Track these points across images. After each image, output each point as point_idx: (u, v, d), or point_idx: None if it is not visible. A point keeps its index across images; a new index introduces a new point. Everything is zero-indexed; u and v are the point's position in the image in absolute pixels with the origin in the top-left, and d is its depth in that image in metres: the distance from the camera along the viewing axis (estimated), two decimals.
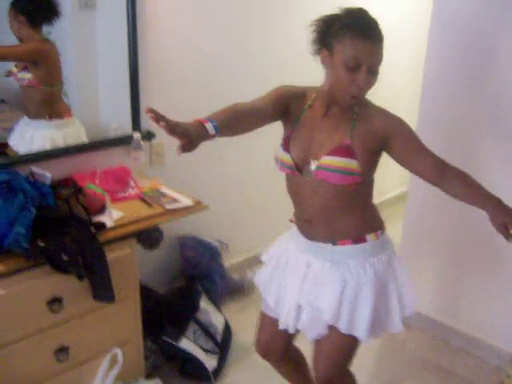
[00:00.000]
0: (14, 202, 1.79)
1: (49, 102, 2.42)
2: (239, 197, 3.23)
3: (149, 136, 2.62)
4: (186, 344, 2.46)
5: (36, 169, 2.10)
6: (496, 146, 2.47)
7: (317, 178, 1.63)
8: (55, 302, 1.88)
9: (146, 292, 2.46)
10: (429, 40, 2.64)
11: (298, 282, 1.74)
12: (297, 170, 1.66)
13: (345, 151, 1.59)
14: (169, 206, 2.20)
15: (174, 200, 2.26)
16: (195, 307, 2.64)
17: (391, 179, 4.49)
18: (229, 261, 3.18)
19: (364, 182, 1.64)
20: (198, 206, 2.27)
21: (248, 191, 3.27)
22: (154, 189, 2.38)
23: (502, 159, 2.46)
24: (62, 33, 2.48)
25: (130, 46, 2.47)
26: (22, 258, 1.75)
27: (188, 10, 2.68)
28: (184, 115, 2.35)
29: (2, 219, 1.74)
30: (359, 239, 1.69)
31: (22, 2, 2.23)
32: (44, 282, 1.84)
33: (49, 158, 2.29)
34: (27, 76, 2.30)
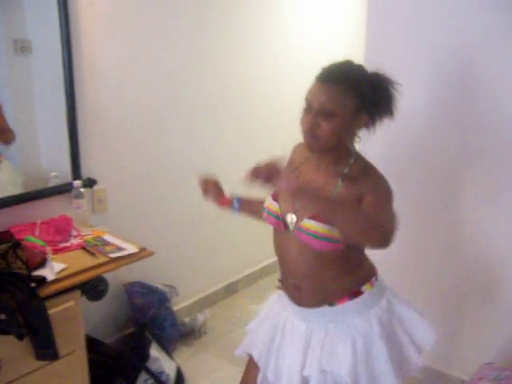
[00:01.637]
0: None
1: None
2: (186, 239, 3.19)
3: (90, 183, 2.57)
4: None
5: None
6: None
7: (298, 236, 1.57)
8: None
9: (93, 344, 2.38)
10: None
11: (301, 352, 1.66)
12: (282, 222, 1.62)
13: (326, 216, 1.50)
14: (113, 255, 2.14)
15: (119, 248, 2.21)
16: (145, 356, 2.56)
17: None
18: (178, 305, 3.12)
19: (348, 247, 1.55)
20: (143, 253, 2.22)
21: (195, 233, 3.24)
22: (97, 237, 2.32)
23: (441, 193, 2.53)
24: None
25: (67, 92, 2.44)
26: None
27: (127, 53, 2.68)
28: (124, 160, 2.34)
29: None
30: (356, 293, 1.62)
31: None
32: None
33: None
34: None
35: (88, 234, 2.35)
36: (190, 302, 3.25)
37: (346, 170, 1.57)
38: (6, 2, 2.34)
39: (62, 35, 2.36)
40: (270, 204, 1.68)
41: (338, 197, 1.53)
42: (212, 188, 1.90)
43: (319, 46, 3.96)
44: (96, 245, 2.24)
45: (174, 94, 2.94)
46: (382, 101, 1.55)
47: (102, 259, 2.13)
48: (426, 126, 2.45)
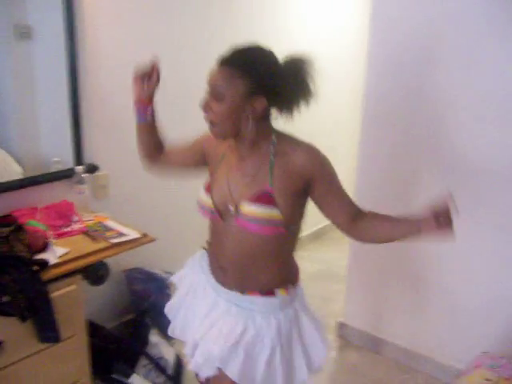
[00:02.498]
0: None
1: None
2: (187, 226, 3.20)
3: (92, 169, 2.58)
4: (136, 380, 2.40)
5: None
6: (436, 181, 2.56)
7: (237, 226, 1.56)
8: None
9: (93, 329, 2.40)
10: (366, 75, 2.74)
11: (201, 316, 1.67)
12: (218, 215, 1.60)
13: (265, 198, 1.51)
14: (114, 240, 2.16)
15: (120, 233, 2.22)
16: (145, 341, 2.58)
17: None
18: None
19: (288, 232, 1.56)
20: (144, 239, 2.24)
21: (196, 220, 3.24)
22: (98, 223, 2.34)
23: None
24: None
25: (69, 77, 2.44)
26: None
27: (130, 39, 2.67)
28: (126, 146, 2.35)
29: None
30: (268, 292, 1.60)
31: None
32: None
33: None
34: None
35: (89, 219, 2.37)
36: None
37: (271, 150, 1.54)
38: None
39: (64, 20, 2.36)
40: (204, 198, 1.64)
41: (275, 180, 1.51)
42: (148, 80, 1.76)
43: (323, 43, 3.98)
44: (97, 230, 2.25)
45: (177, 80, 2.94)
46: (285, 86, 1.48)
47: (103, 244, 2.15)
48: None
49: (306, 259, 3.90)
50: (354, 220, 1.57)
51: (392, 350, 2.92)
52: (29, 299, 1.77)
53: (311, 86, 1.50)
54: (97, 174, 2.62)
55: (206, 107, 1.50)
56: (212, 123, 1.52)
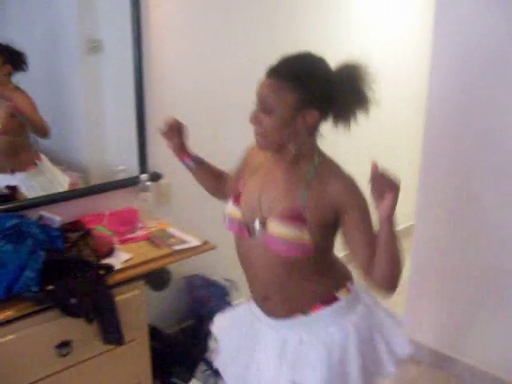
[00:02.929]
0: (23, 246, 1.81)
1: (14, 153, 2.35)
2: None
3: (156, 177, 2.65)
4: None
5: (45, 213, 2.13)
6: (500, 183, 2.49)
7: (264, 243, 1.48)
8: (64, 346, 1.87)
9: (154, 333, 2.46)
10: (430, 79, 2.68)
11: (274, 363, 1.56)
12: (246, 229, 1.54)
13: (295, 218, 1.42)
14: (176, 247, 2.21)
15: (182, 240, 2.27)
16: (204, 347, 2.62)
17: (396, 213, 4.50)
18: (237, 299, 3.16)
19: (320, 247, 1.46)
20: (205, 246, 2.28)
21: None
22: (161, 230, 2.40)
23: (506, 196, 2.47)
24: (69, 76, 2.55)
25: (136, 87, 2.52)
26: (31, 302, 1.76)
27: (192, 52, 2.74)
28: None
29: (12, 264, 1.75)
30: (330, 299, 1.53)
31: (8, 50, 2.21)
32: (53, 326, 1.85)
33: (57, 201, 2.32)
34: None
35: (153, 226, 2.43)
36: (249, 297, 3.29)
37: (311, 171, 1.47)
38: (81, 4, 2.45)
39: (133, 34, 2.45)
40: (232, 210, 1.58)
41: (307, 202, 1.43)
42: (175, 134, 1.81)
43: (385, 47, 3.94)
44: (160, 237, 2.31)
45: (238, 92, 2.98)
46: (339, 97, 1.41)
47: (165, 251, 2.20)
48: None
49: None
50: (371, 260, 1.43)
51: (455, 367, 2.83)
52: (94, 302, 1.84)
53: (368, 94, 1.43)
54: (160, 182, 2.69)
55: (255, 120, 1.45)
56: (261, 136, 1.46)
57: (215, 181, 1.85)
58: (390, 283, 1.45)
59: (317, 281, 1.53)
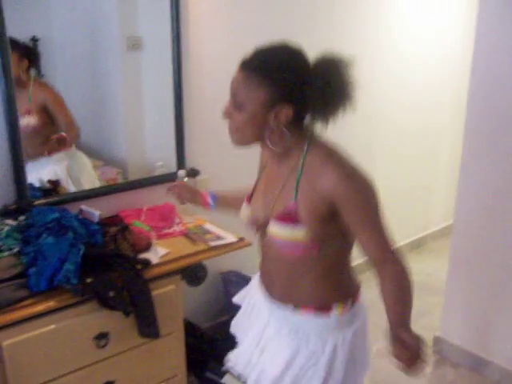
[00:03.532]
0: (64, 239, 1.86)
1: (48, 140, 2.42)
2: None
3: (193, 173, 2.68)
4: (229, 380, 2.44)
5: (85, 207, 2.17)
6: None
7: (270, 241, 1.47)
8: (102, 338, 1.92)
9: (189, 327, 2.48)
10: (471, 78, 2.64)
11: (254, 337, 1.60)
12: (255, 226, 1.53)
13: (288, 217, 1.37)
14: (212, 243, 2.23)
15: (218, 237, 2.29)
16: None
17: (435, 212, 4.44)
18: None
19: (326, 251, 1.41)
20: (241, 243, 2.30)
21: None
22: (198, 225, 2.42)
23: None
24: (109, 73, 2.59)
25: (175, 85, 2.55)
26: (71, 293, 1.80)
27: (230, 49, 2.75)
28: (225, 153, 2.41)
29: (53, 257, 1.80)
30: (324, 308, 1.46)
31: (24, 46, 2.25)
32: (91, 318, 1.89)
33: (97, 195, 2.38)
34: (32, 122, 2.27)
35: (189, 221, 2.45)
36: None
37: (300, 163, 1.38)
38: (122, 2, 2.49)
39: (172, 32, 2.47)
40: (243, 209, 1.59)
41: (300, 196, 1.36)
42: (183, 191, 1.98)
43: (426, 45, 3.89)
44: (197, 232, 2.34)
45: None
46: (315, 92, 1.31)
47: (202, 246, 2.22)
48: None
49: None
50: (380, 264, 1.39)
51: (494, 371, 2.78)
52: (132, 295, 1.88)
53: (347, 90, 1.32)
54: (198, 178, 2.71)
55: (227, 115, 1.39)
56: (233, 132, 1.40)
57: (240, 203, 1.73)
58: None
59: (319, 284, 1.46)
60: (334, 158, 1.35)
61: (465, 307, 2.90)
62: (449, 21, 4.06)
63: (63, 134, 2.40)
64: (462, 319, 2.92)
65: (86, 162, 2.52)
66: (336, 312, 1.47)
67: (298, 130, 1.40)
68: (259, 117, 1.33)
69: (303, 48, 1.39)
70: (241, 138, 1.40)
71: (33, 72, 2.30)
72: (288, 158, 1.41)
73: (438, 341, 3.02)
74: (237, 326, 1.80)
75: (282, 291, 1.52)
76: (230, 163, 2.82)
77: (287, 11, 2.95)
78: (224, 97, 2.58)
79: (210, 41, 2.66)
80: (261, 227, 1.52)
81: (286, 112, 1.32)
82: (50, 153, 2.39)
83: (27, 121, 2.22)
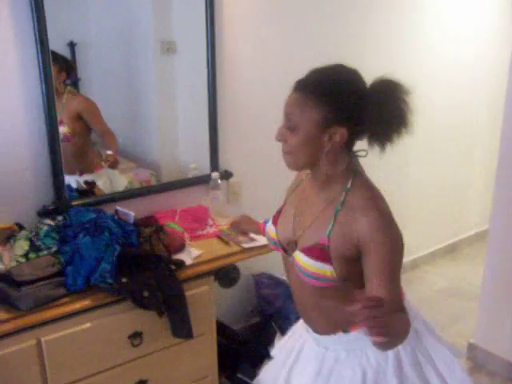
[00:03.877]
0: (100, 239, 1.89)
1: (81, 156, 2.49)
2: None
3: (226, 175, 2.70)
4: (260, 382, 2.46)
5: (120, 208, 2.21)
6: None
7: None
8: (136, 337, 1.94)
9: (221, 328, 2.50)
10: (509, 78, 2.58)
11: (312, 378, 1.50)
12: (281, 248, 1.49)
13: (319, 252, 1.33)
14: (246, 245, 2.24)
15: (251, 238, 2.30)
16: (270, 345, 2.63)
17: (469, 217, 4.37)
18: None
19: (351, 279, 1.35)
20: None
21: None
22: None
23: None
24: (143, 77, 2.64)
25: (209, 88, 2.57)
26: (106, 293, 1.84)
27: (265, 53, 2.77)
28: (259, 155, 2.43)
29: (90, 256, 1.84)
30: None
31: (63, 58, 2.31)
32: (126, 317, 1.92)
33: (132, 197, 2.42)
34: (64, 131, 2.30)
35: (223, 223, 2.47)
36: None
37: (341, 197, 1.34)
38: (156, 6, 2.53)
39: (207, 35, 2.50)
40: (269, 229, 1.55)
41: (334, 233, 1.32)
42: (245, 225, 2.00)
43: (464, 47, 3.84)
44: (230, 234, 2.35)
45: None
46: (371, 114, 1.27)
47: (235, 248, 2.24)
48: None
49: (436, 274, 3.75)
50: None
51: None
52: (166, 296, 1.90)
53: (405, 114, 1.28)
54: (231, 180, 2.74)
55: (280, 137, 1.36)
56: (287, 154, 1.36)
57: None
58: (390, 346, 1.30)
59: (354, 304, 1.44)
60: (377, 205, 1.32)
61: (501, 314, 2.85)
62: (485, 19, 3.99)
63: (111, 153, 2.46)
64: (498, 326, 2.87)
65: (114, 179, 2.53)
66: None
67: (347, 158, 1.36)
68: (313, 139, 1.31)
69: (358, 69, 1.36)
70: (295, 160, 1.36)
71: (68, 83, 2.36)
72: (330, 187, 1.38)
73: (472, 348, 2.97)
74: (272, 375, 1.71)
75: (323, 323, 1.49)
76: (263, 167, 2.84)
77: (322, 16, 2.94)
78: (257, 99, 2.62)
79: (244, 45, 2.68)
80: (286, 251, 1.49)
81: (340, 134, 1.30)
82: (81, 173, 2.44)
83: (60, 130, 2.23)
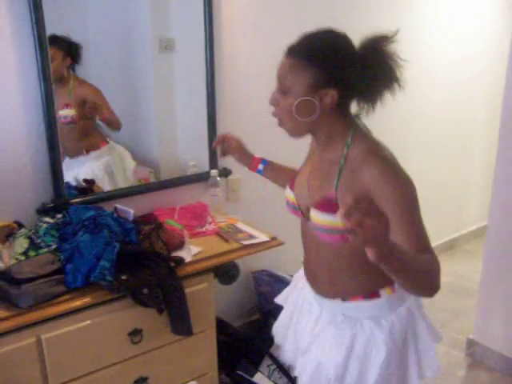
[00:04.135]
0: (99, 237, 1.89)
1: (86, 136, 2.52)
2: None
3: (225, 173, 2.70)
4: (260, 379, 2.46)
5: (119, 206, 2.21)
6: None
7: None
8: (136, 334, 1.95)
9: (221, 326, 2.50)
10: (507, 73, 2.59)
11: (308, 332, 1.61)
12: (300, 211, 1.53)
13: (328, 205, 1.36)
14: (245, 242, 2.25)
15: (250, 236, 2.31)
16: (269, 342, 2.64)
17: (468, 213, 4.37)
18: None
19: None
20: (273, 242, 2.30)
21: None
22: (230, 224, 2.44)
23: None
24: (142, 74, 2.63)
25: (207, 86, 2.57)
26: (106, 290, 1.84)
27: (264, 50, 2.76)
28: (260, 154, 2.42)
29: (90, 254, 1.84)
30: (372, 294, 1.48)
31: (69, 43, 2.32)
32: (126, 314, 1.92)
33: (131, 194, 2.42)
34: (71, 113, 2.35)
35: (222, 221, 2.47)
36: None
37: (345, 151, 1.37)
38: (155, 4, 2.53)
39: (205, 33, 2.50)
40: (288, 194, 1.57)
41: (341, 186, 1.35)
42: (235, 146, 1.93)
43: (462, 45, 3.85)
44: (229, 232, 2.35)
45: None
46: (361, 74, 1.30)
47: (234, 245, 2.24)
48: None
49: None
50: None
51: None
52: (165, 293, 1.90)
53: (395, 70, 1.31)
54: (230, 177, 2.74)
55: (273, 101, 1.41)
56: (279, 119, 1.42)
57: (287, 178, 1.76)
58: (424, 292, 1.30)
59: (362, 272, 1.45)
60: (377, 153, 1.34)
61: (500, 310, 2.85)
62: (483, 16, 4.00)
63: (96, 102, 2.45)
64: (497, 322, 2.88)
65: (125, 154, 2.59)
66: (385, 294, 1.48)
67: (343, 118, 1.40)
68: (307, 100, 1.34)
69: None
70: (289, 125, 1.41)
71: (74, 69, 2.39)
72: (332, 148, 1.41)
73: (471, 343, 2.98)
74: (280, 327, 1.82)
75: (327, 287, 1.54)
76: None
77: (321, 12, 2.94)
78: (257, 97, 2.61)
79: (242, 41, 2.67)
80: (303, 214, 1.52)
81: (331, 96, 1.33)
82: (88, 151, 2.48)
83: (66, 113, 2.31)
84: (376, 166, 1.30)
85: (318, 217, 1.40)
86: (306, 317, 1.65)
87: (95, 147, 2.51)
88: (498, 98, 2.73)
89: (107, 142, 2.54)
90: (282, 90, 1.37)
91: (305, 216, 1.52)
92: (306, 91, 1.33)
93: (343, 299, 1.52)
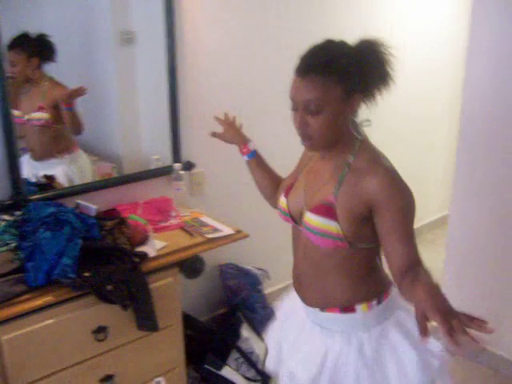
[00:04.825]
0: (61, 234, 1.85)
1: (58, 139, 2.47)
2: (279, 224, 3.23)
3: (189, 166, 2.68)
4: (228, 372, 2.46)
5: (81, 201, 2.17)
6: None
7: (304, 234, 1.49)
8: (100, 331, 1.92)
9: (188, 320, 2.49)
10: (466, 69, 2.64)
11: (291, 340, 1.64)
12: (291, 218, 1.54)
13: (325, 210, 1.39)
14: (210, 235, 2.23)
15: (215, 229, 2.29)
16: (237, 335, 2.64)
17: (430, 204, 4.45)
18: (269, 288, 3.18)
19: (355, 249, 1.41)
20: (238, 235, 2.30)
21: None
22: (194, 218, 2.43)
23: None
24: (103, 68, 2.59)
25: (169, 79, 2.55)
26: (68, 288, 1.80)
27: (229, 43, 2.74)
28: (221, 145, 2.41)
29: (51, 251, 1.80)
30: (348, 309, 1.48)
31: (34, 43, 2.26)
32: (90, 312, 1.89)
33: (93, 190, 2.37)
34: (44, 116, 2.32)
35: (186, 214, 2.46)
36: (281, 286, 3.30)
37: (350, 159, 1.41)
38: None
39: (166, 25, 2.47)
40: (281, 201, 1.57)
41: (341, 194, 1.38)
42: (229, 128, 1.94)
43: (423, 38, 3.90)
44: (194, 225, 2.34)
45: (273, 83, 2.97)
46: (372, 73, 1.37)
47: (199, 239, 2.23)
48: None
49: None
50: (406, 271, 1.32)
51: (491, 359, 2.79)
52: (130, 289, 1.88)
53: (389, 68, 1.38)
54: (193, 171, 2.72)
55: (303, 125, 1.37)
56: (311, 138, 1.39)
57: (270, 184, 1.78)
58: None
59: (345, 284, 1.48)
60: (383, 164, 1.39)
61: (461, 298, 2.90)
62: (443, 10, 4.06)
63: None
64: (460, 310, 2.92)
65: (87, 161, 2.55)
66: (360, 310, 1.48)
67: (353, 125, 1.43)
68: (339, 115, 1.36)
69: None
70: (323, 141, 1.40)
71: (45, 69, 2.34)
72: (337, 155, 1.44)
73: (434, 331, 3.02)
74: (270, 333, 1.80)
75: (309, 294, 1.55)
76: (226, 156, 2.81)
77: (282, 3, 2.93)
78: (220, 89, 2.59)
79: (205, 34, 2.65)
80: (294, 219, 1.54)
81: (357, 100, 1.38)
82: (61, 154, 2.44)
83: (40, 115, 2.28)
84: (383, 175, 1.35)
85: (312, 219, 1.42)
86: (293, 325, 1.66)
87: (69, 151, 2.46)
88: (458, 93, 2.77)
89: (73, 152, 2.50)
90: (314, 110, 1.34)
91: (296, 221, 1.53)
92: (339, 104, 1.35)
93: (321, 309, 1.52)
